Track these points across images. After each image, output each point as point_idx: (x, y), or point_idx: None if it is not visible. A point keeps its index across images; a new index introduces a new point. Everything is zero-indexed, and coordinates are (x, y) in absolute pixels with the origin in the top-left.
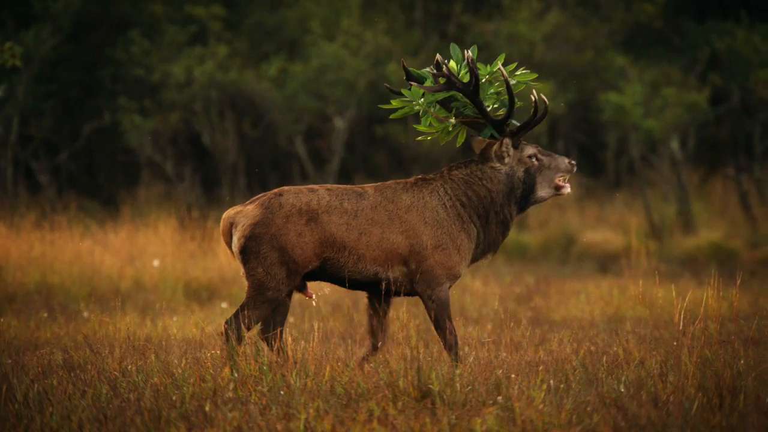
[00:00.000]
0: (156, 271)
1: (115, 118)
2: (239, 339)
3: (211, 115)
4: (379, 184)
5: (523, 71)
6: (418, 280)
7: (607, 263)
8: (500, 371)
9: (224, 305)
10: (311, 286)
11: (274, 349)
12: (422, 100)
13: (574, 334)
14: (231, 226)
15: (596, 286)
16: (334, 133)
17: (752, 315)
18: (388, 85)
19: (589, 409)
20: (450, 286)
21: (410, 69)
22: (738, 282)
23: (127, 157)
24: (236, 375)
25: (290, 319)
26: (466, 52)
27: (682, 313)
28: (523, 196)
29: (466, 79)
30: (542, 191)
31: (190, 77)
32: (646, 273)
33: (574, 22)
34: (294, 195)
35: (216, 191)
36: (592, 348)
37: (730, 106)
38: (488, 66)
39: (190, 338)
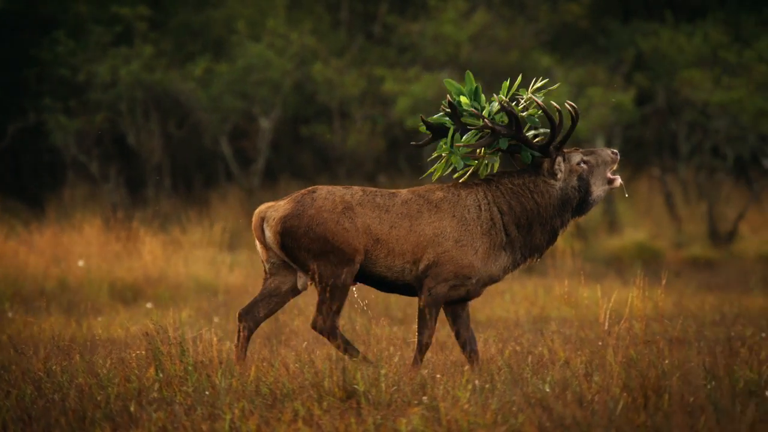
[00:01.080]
0: (81, 271)
1: (40, 118)
2: (333, 330)
3: (136, 116)
4: (413, 188)
5: (539, 84)
6: (429, 272)
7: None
8: (425, 371)
9: (149, 305)
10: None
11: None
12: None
13: (500, 334)
14: (262, 220)
15: (521, 286)
16: (260, 133)
17: (677, 315)
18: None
19: (514, 408)
20: (451, 287)
21: (429, 120)
22: (663, 282)
23: (53, 158)
24: (161, 375)
25: (215, 319)
26: (499, 96)
27: (608, 313)
28: (581, 201)
29: (496, 114)
30: (597, 190)
31: (116, 77)
32: (571, 273)
33: (499, 22)
34: (327, 191)
35: (141, 192)
36: (518, 348)
37: (655, 107)
38: (499, 95)
39: (116, 338)
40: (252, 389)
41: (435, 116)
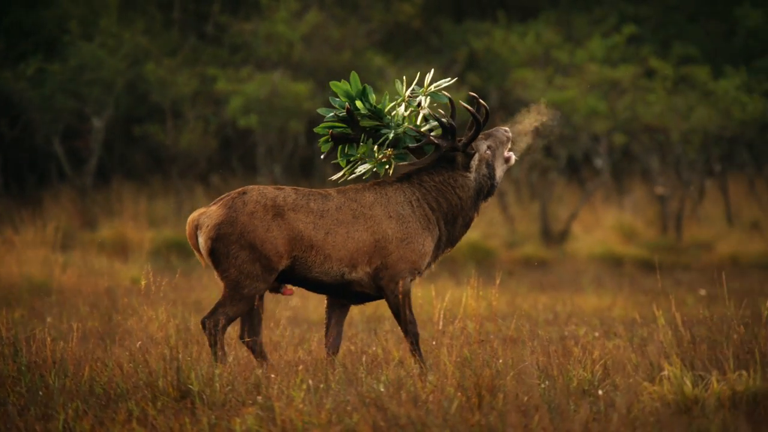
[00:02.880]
0: None
1: None
2: (216, 336)
3: None
4: (340, 187)
5: (440, 83)
6: (383, 275)
7: None
8: (260, 371)
9: None
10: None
11: (257, 353)
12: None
13: None
14: (196, 228)
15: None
16: (92, 132)
17: (510, 314)
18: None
19: (349, 408)
20: (411, 281)
21: (333, 132)
22: (497, 282)
23: None
24: None
25: (48, 319)
26: (423, 108)
27: (441, 312)
28: (490, 186)
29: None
30: (499, 172)
31: None
32: None
33: (332, 22)
34: (259, 193)
35: None
36: (352, 348)
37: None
38: (403, 90)
39: None
40: (86, 389)
41: (325, 123)
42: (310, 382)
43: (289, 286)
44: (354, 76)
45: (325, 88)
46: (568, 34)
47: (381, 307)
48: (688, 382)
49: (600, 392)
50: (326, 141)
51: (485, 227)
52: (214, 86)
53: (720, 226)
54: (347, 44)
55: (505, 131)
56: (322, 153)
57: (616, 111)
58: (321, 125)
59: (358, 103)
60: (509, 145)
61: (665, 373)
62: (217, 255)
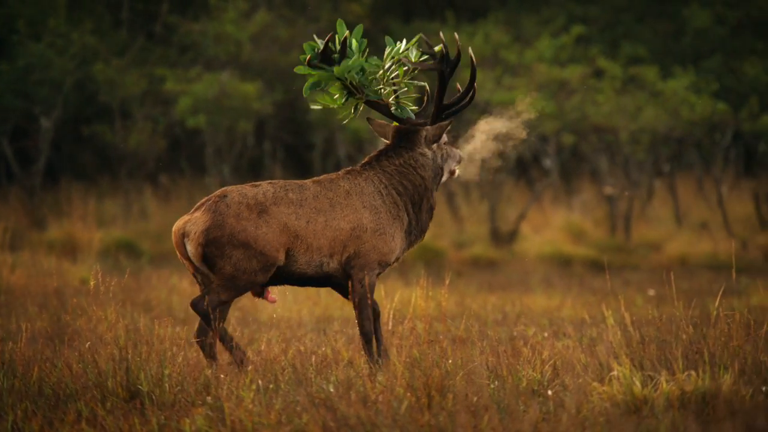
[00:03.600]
0: None
1: None
2: (211, 316)
3: None
4: (313, 178)
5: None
6: (354, 263)
7: None
8: (209, 371)
9: None
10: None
11: (208, 352)
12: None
13: (283, 334)
14: (183, 236)
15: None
16: (41, 132)
17: (459, 315)
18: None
19: (298, 408)
20: (379, 274)
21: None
22: (446, 282)
23: None
24: None
25: None
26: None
27: (391, 313)
28: (439, 182)
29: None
30: (445, 176)
31: None
32: None
33: (281, 22)
34: (239, 194)
35: None
36: (301, 348)
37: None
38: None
39: None
40: (35, 390)
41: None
42: (260, 382)
43: (273, 293)
44: (340, 23)
45: (274, 88)
46: (517, 35)
47: (330, 307)
48: (637, 383)
49: (549, 392)
50: (310, 87)
51: (434, 227)
52: (162, 86)
53: (669, 226)
54: (296, 44)
55: (461, 154)
56: (308, 99)
57: (564, 111)
58: (300, 66)
59: (354, 43)
60: (459, 164)
61: (614, 373)
62: (210, 259)
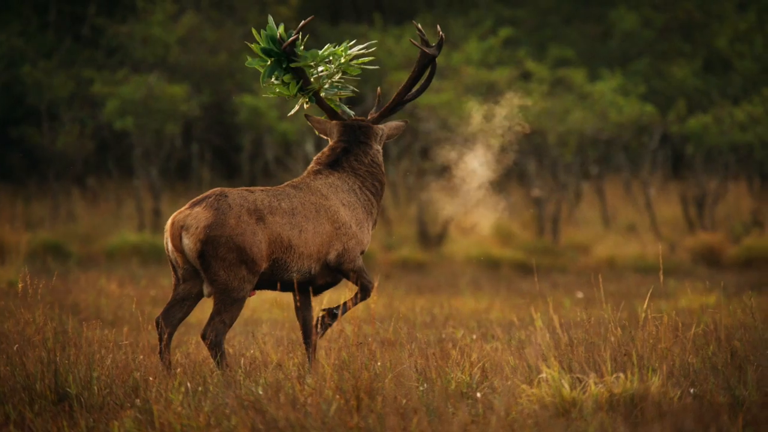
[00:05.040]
0: None
1: None
2: (221, 343)
3: None
4: (290, 182)
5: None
6: (344, 260)
7: None
8: (138, 374)
9: None
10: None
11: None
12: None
13: None
14: (181, 228)
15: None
16: None
17: (388, 317)
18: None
19: (227, 411)
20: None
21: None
22: (375, 284)
23: None
24: None
25: None
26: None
27: (320, 316)
28: None
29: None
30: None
31: None
32: None
33: (208, 24)
34: (239, 196)
35: None
36: (230, 350)
37: (364, 109)
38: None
39: None
40: None
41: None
42: (189, 384)
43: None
44: (270, 19)
45: (201, 90)
46: (445, 37)
47: (258, 310)
48: (566, 385)
49: (478, 395)
50: (267, 73)
51: None
52: (90, 88)
53: (596, 228)
54: (223, 46)
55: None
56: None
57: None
58: (250, 59)
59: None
60: None
61: (543, 375)
62: (206, 257)
